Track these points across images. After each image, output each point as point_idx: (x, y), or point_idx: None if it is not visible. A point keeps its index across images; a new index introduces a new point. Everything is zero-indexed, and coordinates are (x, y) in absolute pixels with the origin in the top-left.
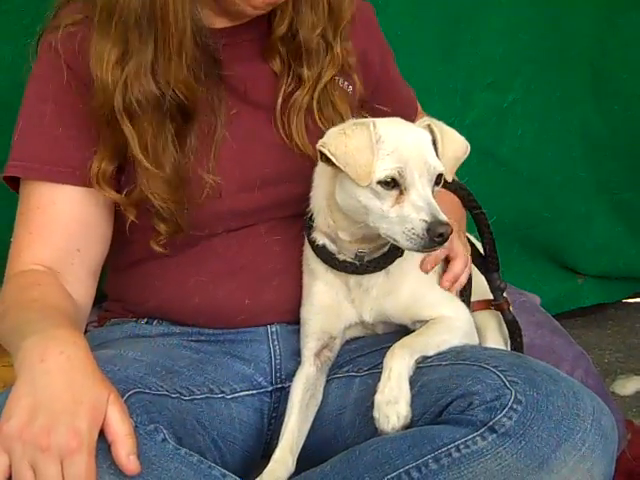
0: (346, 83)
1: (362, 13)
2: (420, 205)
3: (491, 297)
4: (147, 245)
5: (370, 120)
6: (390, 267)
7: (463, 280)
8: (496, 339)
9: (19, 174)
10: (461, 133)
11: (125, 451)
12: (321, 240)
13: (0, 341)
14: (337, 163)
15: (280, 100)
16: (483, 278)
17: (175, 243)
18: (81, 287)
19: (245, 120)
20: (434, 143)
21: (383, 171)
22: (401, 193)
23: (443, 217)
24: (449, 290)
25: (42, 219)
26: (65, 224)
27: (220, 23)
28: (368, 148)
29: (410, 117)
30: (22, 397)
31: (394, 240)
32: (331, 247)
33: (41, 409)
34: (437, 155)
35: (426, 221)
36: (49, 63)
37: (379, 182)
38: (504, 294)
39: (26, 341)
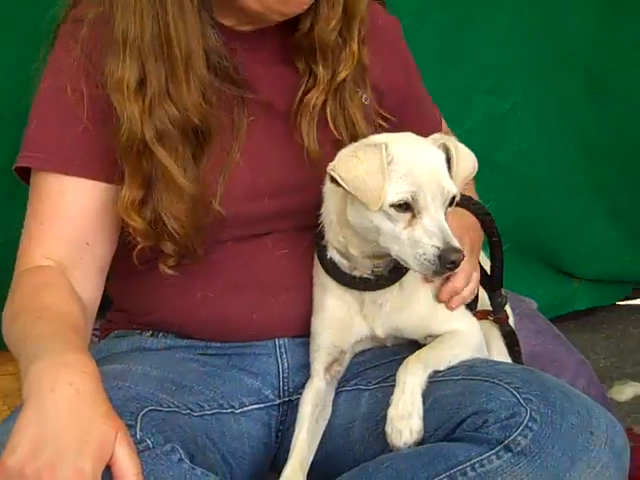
0: (364, 96)
1: (387, 29)
2: (432, 230)
3: (489, 308)
4: (151, 255)
5: (383, 140)
6: (404, 282)
7: (465, 295)
8: (501, 350)
9: (30, 164)
10: (460, 138)
11: None
12: (333, 256)
13: (9, 346)
14: (347, 188)
15: (297, 100)
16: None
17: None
18: (89, 284)
19: (262, 128)
20: (448, 161)
21: (396, 195)
22: (414, 216)
23: (456, 244)
24: (448, 304)
25: (52, 210)
26: (74, 215)
27: (246, 27)
28: (379, 172)
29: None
30: (28, 428)
31: (405, 262)
32: (342, 263)
33: (47, 443)
34: (450, 173)
35: (438, 247)
36: (67, 54)
37: (392, 205)
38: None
39: (35, 365)
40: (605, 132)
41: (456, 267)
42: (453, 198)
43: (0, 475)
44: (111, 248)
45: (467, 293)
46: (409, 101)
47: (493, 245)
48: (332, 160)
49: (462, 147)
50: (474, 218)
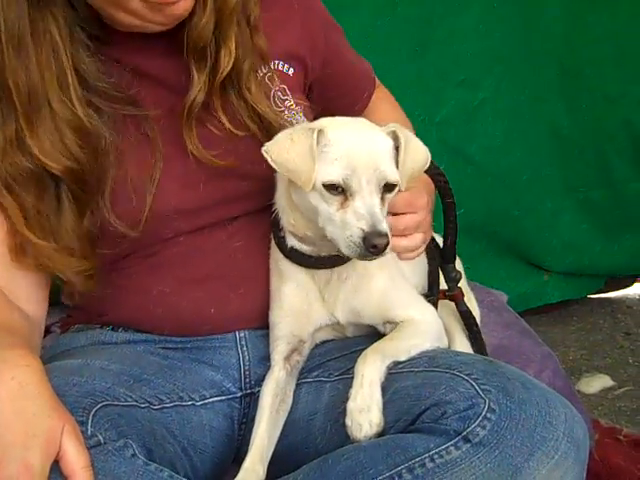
0: (286, 66)
1: None
2: (361, 213)
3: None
4: (104, 257)
5: (320, 124)
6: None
7: (414, 242)
8: (462, 340)
9: None
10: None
11: None
12: (294, 244)
13: None
14: (278, 170)
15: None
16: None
17: (133, 253)
18: (30, 300)
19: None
20: (397, 149)
21: (328, 176)
22: (346, 199)
23: (383, 228)
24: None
25: None
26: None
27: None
28: (309, 154)
29: (365, 91)
30: None
31: (337, 244)
32: (301, 247)
33: None
34: (397, 163)
35: (363, 230)
36: None
37: (324, 186)
38: (458, 284)
39: None
40: (576, 125)
41: (379, 253)
42: (394, 186)
43: None
44: None
45: (417, 240)
46: (331, 57)
47: (447, 207)
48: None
49: (414, 139)
50: (427, 177)
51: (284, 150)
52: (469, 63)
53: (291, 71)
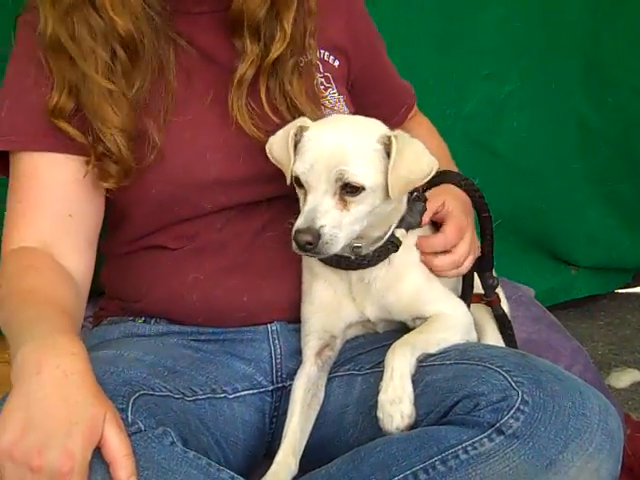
0: (332, 57)
1: None
2: (304, 209)
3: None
4: (140, 233)
5: (302, 120)
6: (393, 261)
7: (450, 274)
8: (494, 334)
9: (1, 147)
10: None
11: (125, 472)
12: None
13: (2, 329)
14: (273, 161)
15: (227, 71)
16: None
17: (172, 236)
18: (79, 258)
19: (203, 78)
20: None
21: (294, 169)
22: (306, 194)
23: (310, 225)
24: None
25: (28, 186)
26: (51, 188)
27: None
28: (285, 149)
29: (404, 105)
30: (15, 411)
31: None
32: None
33: (34, 427)
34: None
35: (297, 225)
36: (25, 38)
37: (295, 180)
38: (495, 290)
39: (22, 349)
40: (603, 118)
41: (300, 248)
42: (359, 188)
43: None
44: (97, 220)
45: (452, 274)
46: (376, 65)
47: (483, 221)
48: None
49: (417, 149)
50: (464, 194)
51: (276, 144)
52: (495, 56)
53: (337, 63)
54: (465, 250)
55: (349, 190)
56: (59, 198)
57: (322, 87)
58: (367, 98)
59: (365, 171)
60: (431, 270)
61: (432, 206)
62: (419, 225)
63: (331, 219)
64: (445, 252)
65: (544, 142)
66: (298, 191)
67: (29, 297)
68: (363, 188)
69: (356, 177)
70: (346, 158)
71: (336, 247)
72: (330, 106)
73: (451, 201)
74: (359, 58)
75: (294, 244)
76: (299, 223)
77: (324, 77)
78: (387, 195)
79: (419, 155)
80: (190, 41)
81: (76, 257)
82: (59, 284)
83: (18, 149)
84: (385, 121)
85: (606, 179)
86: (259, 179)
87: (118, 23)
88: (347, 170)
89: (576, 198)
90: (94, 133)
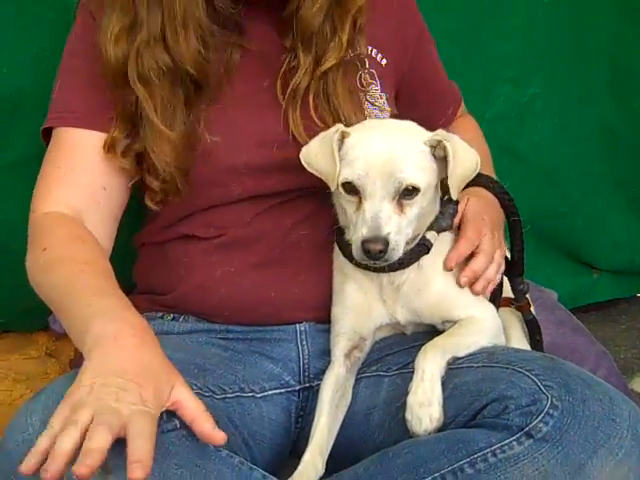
0: (380, 55)
1: None
2: (366, 217)
3: (511, 295)
4: (171, 220)
5: (344, 128)
6: (422, 264)
7: (490, 276)
8: (520, 338)
9: (51, 124)
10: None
11: (210, 425)
12: (347, 238)
13: (41, 293)
14: (311, 171)
15: (280, 81)
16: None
17: (200, 224)
18: (104, 231)
19: (255, 78)
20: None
21: (344, 175)
22: (361, 201)
23: (381, 233)
24: (472, 288)
25: (68, 155)
26: (90, 160)
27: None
28: (330, 156)
29: (451, 107)
30: (92, 369)
31: (352, 245)
32: None
33: (111, 376)
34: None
35: (363, 234)
36: (82, 22)
37: (343, 186)
38: (526, 295)
39: (97, 321)
40: (627, 123)
41: (373, 259)
42: (415, 190)
43: (65, 405)
44: (125, 199)
45: (491, 274)
46: (424, 65)
47: (513, 225)
48: None
49: (462, 146)
50: (493, 197)
51: (313, 152)
52: (518, 59)
53: (384, 62)
54: (489, 245)
55: (406, 194)
56: (98, 170)
57: (365, 82)
58: (416, 97)
59: (418, 173)
60: (473, 279)
61: (460, 208)
62: (451, 227)
63: (395, 225)
64: (473, 254)
65: (567, 145)
66: (345, 197)
67: (85, 267)
68: (418, 190)
69: (413, 180)
70: (401, 163)
71: (400, 252)
72: (372, 101)
73: (472, 200)
74: (408, 58)
75: (360, 253)
76: (365, 232)
77: (369, 73)
78: (432, 195)
79: (467, 152)
80: (241, 32)
81: (102, 230)
82: (106, 260)
83: (63, 125)
84: (432, 121)
85: (630, 184)
86: (287, 168)
87: (186, 59)
88: (404, 175)
89: (599, 202)
90: (149, 165)
